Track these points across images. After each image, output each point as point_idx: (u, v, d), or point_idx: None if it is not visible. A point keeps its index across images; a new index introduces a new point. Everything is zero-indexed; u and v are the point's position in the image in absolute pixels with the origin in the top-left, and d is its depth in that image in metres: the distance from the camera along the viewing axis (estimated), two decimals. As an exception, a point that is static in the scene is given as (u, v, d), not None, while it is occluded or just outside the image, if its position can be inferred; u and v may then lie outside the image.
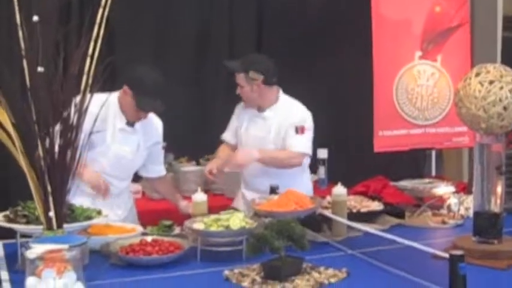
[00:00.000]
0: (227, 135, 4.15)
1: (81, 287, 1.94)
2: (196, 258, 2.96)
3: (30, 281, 1.93)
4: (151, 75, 3.53)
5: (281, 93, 4.03)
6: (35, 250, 1.96)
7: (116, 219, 3.60)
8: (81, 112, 2.47)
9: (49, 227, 2.40)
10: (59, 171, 2.39)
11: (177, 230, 3.35)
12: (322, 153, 5.04)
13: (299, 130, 3.87)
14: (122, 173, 3.69)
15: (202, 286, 2.70)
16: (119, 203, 3.72)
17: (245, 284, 2.62)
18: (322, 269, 2.77)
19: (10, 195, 4.47)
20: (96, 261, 2.92)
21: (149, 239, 3.03)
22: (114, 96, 3.57)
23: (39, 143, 2.35)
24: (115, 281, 2.71)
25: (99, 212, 2.99)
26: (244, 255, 2.88)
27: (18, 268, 2.79)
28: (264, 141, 3.89)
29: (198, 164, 4.96)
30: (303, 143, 3.87)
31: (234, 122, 4.11)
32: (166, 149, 4.07)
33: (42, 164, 2.36)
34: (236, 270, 2.76)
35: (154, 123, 3.74)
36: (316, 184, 4.96)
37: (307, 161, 4.02)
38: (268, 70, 3.90)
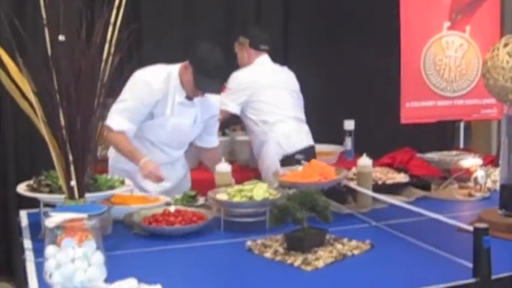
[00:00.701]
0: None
1: (101, 256, 1.93)
2: (219, 228, 2.96)
3: (49, 249, 1.93)
4: (214, 56, 3.52)
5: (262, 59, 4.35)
6: (54, 219, 1.95)
7: (166, 185, 3.64)
8: (103, 81, 2.45)
9: (71, 196, 2.40)
10: (81, 141, 2.38)
11: (201, 200, 3.34)
12: (349, 125, 4.99)
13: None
14: (178, 143, 3.74)
15: (224, 256, 2.69)
16: (171, 174, 3.73)
17: (267, 254, 2.60)
18: (345, 240, 2.75)
19: (35, 165, 4.53)
20: (119, 231, 2.92)
21: (172, 209, 3.03)
22: (175, 69, 3.60)
23: (60, 112, 2.34)
24: (137, 250, 2.72)
25: (122, 182, 2.99)
26: (267, 226, 2.86)
27: (41, 237, 2.79)
28: None
29: (224, 134, 4.93)
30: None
31: None
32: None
33: (63, 133, 2.35)
34: (259, 241, 2.75)
35: (212, 97, 3.72)
36: (343, 155, 4.92)
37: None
38: (255, 35, 4.32)
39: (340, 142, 4.99)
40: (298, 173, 3.24)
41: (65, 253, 1.91)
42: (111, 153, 3.78)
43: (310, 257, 2.55)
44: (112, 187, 2.88)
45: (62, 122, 2.35)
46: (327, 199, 2.74)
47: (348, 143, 4.99)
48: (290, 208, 2.58)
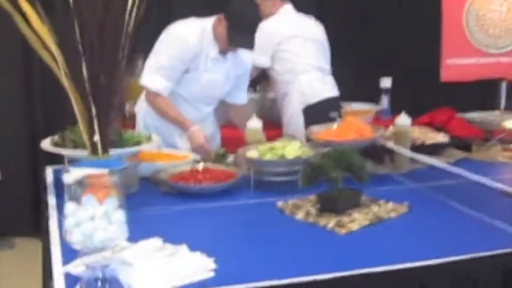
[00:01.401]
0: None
1: (122, 215, 1.82)
2: (249, 187, 2.84)
3: (69, 207, 1.82)
4: (249, 11, 3.44)
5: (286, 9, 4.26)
6: (73, 175, 1.84)
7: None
8: (128, 34, 2.32)
9: (94, 152, 2.29)
10: (104, 94, 2.26)
11: (230, 158, 3.23)
12: (386, 82, 4.82)
13: None
14: (210, 99, 3.67)
15: (254, 217, 2.58)
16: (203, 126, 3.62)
17: (299, 216, 2.49)
18: (381, 202, 2.62)
19: (63, 121, 4.42)
20: (146, 188, 2.83)
21: (200, 167, 2.92)
22: (209, 23, 3.49)
23: (83, 64, 2.22)
24: (163, 209, 2.62)
25: (149, 138, 2.88)
26: (299, 185, 2.74)
27: (66, 193, 2.72)
28: None
29: (254, 91, 4.79)
30: None
31: None
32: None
33: (86, 86, 2.24)
34: (290, 202, 2.63)
35: (244, 52, 3.62)
36: (379, 115, 4.76)
37: None
38: None
39: (376, 101, 4.82)
40: (333, 131, 3.10)
41: (85, 210, 1.80)
42: (140, 108, 3.68)
43: (344, 219, 2.43)
44: (138, 143, 2.77)
45: (85, 75, 2.24)
46: (362, 158, 2.61)
47: (384, 101, 4.83)
48: (324, 167, 2.45)
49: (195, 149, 3.37)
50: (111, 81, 2.30)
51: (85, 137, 2.31)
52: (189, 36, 3.41)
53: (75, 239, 1.82)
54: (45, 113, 4.97)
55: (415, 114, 3.51)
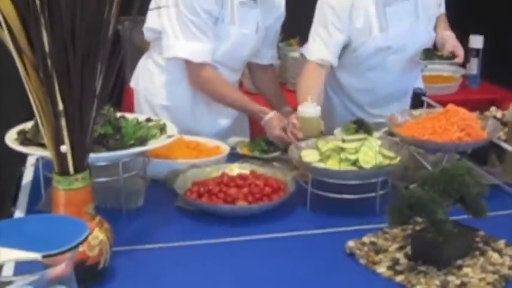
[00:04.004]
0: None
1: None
2: (305, 206, 1.96)
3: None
4: None
5: None
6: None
7: (216, 131, 2.66)
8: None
9: (62, 170, 1.44)
10: (78, 76, 1.38)
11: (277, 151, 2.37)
12: (476, 42, 3.83)
13: None
14: (236, 62, 2.68)
15: (308, 264, 1.68)
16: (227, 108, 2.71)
17: (381, 269, 1.61)
18: (501, 244, 1.73)
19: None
20: (156, 200, 1.98)
21: (235, 171, 2.04)
22: None
23: (42, 25, 1.34)
24: (176, 241, 1.77)
25: (162, 128, 2.00)
26: (378, 209, 1.87)
27: (39, 208, 1.90)
28: None
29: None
30: None
31: None
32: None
33: (48, 63, 1.36)
34: (366, 239, 1.75)
35: None
36: (465, 82, 3.82)
37: None
38: None
39: (463, 64, 3.85)
40: (423, 123, 2.17)
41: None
42: (138, 80, 2.76)
43: (451, 279, 1.55)
44: (144, 140, 1.89)
45: (46, 44, 1.36)
46: (480, 181, 1.70)
47: (473, 65, 3.85)
48: (426, 201, 1.54)
49: (275, 138, 2.45)
50: (90, 54, 1.43)
51: (48, 146, 1.46)
52: None
53: None
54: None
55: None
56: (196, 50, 2.48)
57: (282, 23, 2.79)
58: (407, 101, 2.87)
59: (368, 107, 2.82)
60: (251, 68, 2.86)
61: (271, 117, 2.46)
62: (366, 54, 2.65)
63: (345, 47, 2.63)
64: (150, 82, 2.67)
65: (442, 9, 2.90)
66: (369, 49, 2.63)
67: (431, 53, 2.80)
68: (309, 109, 2.23)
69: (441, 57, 2.78)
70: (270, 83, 2.83)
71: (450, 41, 2.80)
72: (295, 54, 3.76)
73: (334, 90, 2.85)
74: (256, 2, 2.59)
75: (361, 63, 2.69)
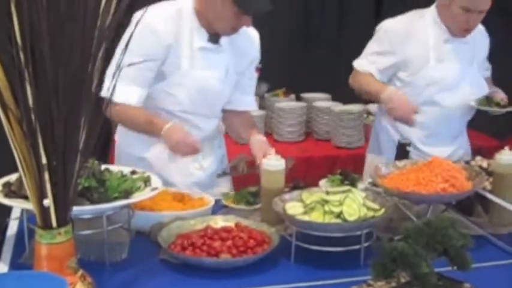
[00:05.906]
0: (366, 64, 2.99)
1: None
2: (289, 257, 1.95)
3: None
4: None
5: None
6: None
7: (200, 175, 2.65)
8: (104, 25, 1.44)
9: (44, 223, 1.43)
10: (60, 129, 1.39)
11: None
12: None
13: None
14: (208, 108, 2.62)
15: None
16: (207, 152, 2.68)
17: (366, 324, 1.60)
18: (488, 297, 1.73)
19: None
20: (140, 252, 1.97)
21: (219, 224, 2.04)
22: (187, 4, 2.50)
23: (26, 78, 1.35)
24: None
25: (146, 181, 1.99)
26: (362, 262, 1.87)
27: (23, 260, 1.88)
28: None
29: (298, 99, 3.90)
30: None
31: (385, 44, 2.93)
32: (258, 77, 2.98)
33: (32, 117, 1.37)
34: (350, 292, 1.74)
35: (248, 34, 2.63)
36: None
37: None
38: None
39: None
40: (408, 174, 2.18)
41: None
42: (119, 134, 2.75)
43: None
44: (128, 192, 1.88)
45: (30, 99, 1.37)
46: (464, 233, 1.70)
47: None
48: (409, 255, 1.54)
49: (175, 147, 2.44)
50: (75, 105, 1.43)
51: (31, 199, 1.45)
52: (155, 22, 2.41)
53: None
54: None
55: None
56: (123, 92, 2.29)
57: (256, 67, 2.76)
58: (458, 143, 3.06)
59: (419, 143, 2.94)
60: (226, 115, 2.77)
61: (170, 126, 2.43)
62: (421, 84, 2.83)
63: (402, 71, 2.86)
64: (126, 134, 2.65)
65: (489, 74, 3.10)
66: (424, 78, 2.82)
67: (490, 100, 2.94)
68: (274, 162, 2.20)
69: (498, 105, 2.92)
70: (244, 122, 2.75)
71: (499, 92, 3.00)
72: (282, 105, 3.80)
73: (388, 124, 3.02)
74: (221, 45, 2.57)
75: (416, 96, 2.84)
